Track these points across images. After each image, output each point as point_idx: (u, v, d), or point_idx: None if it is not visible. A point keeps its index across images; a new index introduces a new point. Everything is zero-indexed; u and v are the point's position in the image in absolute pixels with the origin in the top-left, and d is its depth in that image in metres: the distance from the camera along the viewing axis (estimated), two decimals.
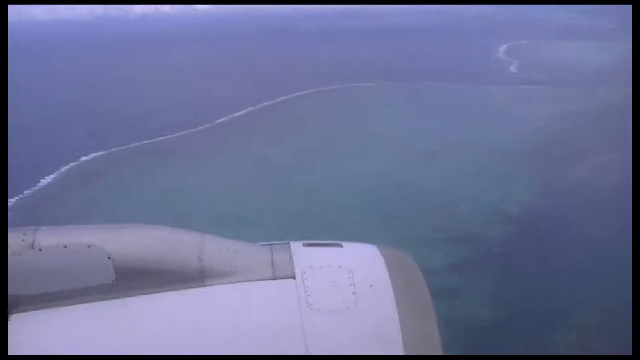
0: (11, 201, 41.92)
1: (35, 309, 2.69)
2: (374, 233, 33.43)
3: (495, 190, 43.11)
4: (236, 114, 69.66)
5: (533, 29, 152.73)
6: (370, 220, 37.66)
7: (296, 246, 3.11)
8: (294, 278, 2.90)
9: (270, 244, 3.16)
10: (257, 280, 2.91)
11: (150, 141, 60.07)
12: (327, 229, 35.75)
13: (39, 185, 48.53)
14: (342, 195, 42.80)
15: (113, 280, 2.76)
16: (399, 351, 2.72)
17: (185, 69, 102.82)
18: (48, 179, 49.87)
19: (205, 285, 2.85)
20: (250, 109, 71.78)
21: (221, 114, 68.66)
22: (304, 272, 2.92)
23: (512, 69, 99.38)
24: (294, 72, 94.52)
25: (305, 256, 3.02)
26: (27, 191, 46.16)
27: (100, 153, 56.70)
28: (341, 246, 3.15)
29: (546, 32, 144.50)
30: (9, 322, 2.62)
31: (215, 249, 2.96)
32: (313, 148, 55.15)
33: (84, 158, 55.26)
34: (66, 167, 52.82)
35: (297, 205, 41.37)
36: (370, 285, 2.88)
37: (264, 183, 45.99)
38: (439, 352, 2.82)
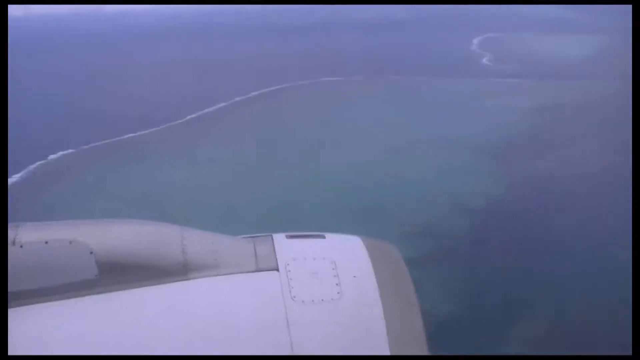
0: None
1: (17, 306, 2.66)
2: (339, 229, 33.37)
3: (461, 184, 43.53)
4: (207, 110, 69.27)
5: (509, 21, 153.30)
6: (334, 215, 37.74)
7: (279, 238, 3.12)
8: (277, 270, 2.90)
9: (253, 237, 3.18)
10: (241, 272, 2.91)
11: (120, 138, 59.60)
12: (290, 224, 35.74)
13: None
14: (307, 190, 42.91)
15: (96, 276, 2.75)
16: (383, 341, 2.72)
17: (156, 66, 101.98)
18: (15, 177, 49.25)
19: (188, 279, 2.84)
20: (222, 104, 71.50)
21: (192, 110, 68.25)
22: (287, 264, 2.92)
23: (485, 61, 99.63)
24: (267, 67, 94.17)
25: (288, 248, 3.03)
26: None
27: (69, 151, 56.13)
28: (324, 237, 3.17)
29: (522, 25, 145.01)
30: None
31: (197, 242, 2.97)
32: (280, 143, 55.17)
33: (52, 156, 54.68)
34: (33, 166, 52.19)
35: (259, 201, 41.50)
36: (354, 276, 2.90)
37: (229, 178, 46.02)
38: (422, 341, 2.85)
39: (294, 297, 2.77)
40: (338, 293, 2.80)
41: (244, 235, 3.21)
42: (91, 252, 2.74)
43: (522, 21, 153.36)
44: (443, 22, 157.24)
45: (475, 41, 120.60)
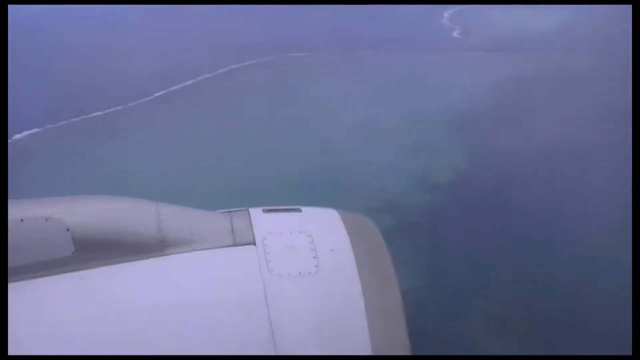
0: None
1: None
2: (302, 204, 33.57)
3: (426, 159, 44.05)
4: (173, 88, 68.59)
5: None
6: (294, 193, 37.90)
7: (255, 212, 3.17)
8: (254, 244, 2.93)
9: (229, 211, 3.18)
10: (218, 247, 2.92)
11: (87, 117, 59.05)
12: (249, 200, 35.71)
13: None
14: (266, 169, 42.94)
15: (72, 253, 2.76)
16: (362, 315, 2.73)
17: (125, 43, 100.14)
18: None
19: (165, 254, 2.85)
20: (189, 82, 70.82)
21: (159, 88, 67.59)
22: (264, 238, 2.94)
23: (455, 35, 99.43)
24: (235, 43, 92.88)
25: (265, 222, 3.07)
26: None
27: (35, 130, 55.49)
28: (300, 211, 3.23)
29: None
30: None
31: (174, 217, 2.99)
32: (243, 121, 55.01)
33: (17, 136, 54.04)
34: None
35: (221, 179, 41.48)
36: (331, 250, 2.94)
37: (188, 159, 45.99)
38: (400, 314, 2.86)
39: (272, 270, 2.79)
40: (315, 266, 2.83)
41: (221, 210, 3.23)
42: (67, 229, 2.75)
43: None
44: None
45: (446, 14, 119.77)
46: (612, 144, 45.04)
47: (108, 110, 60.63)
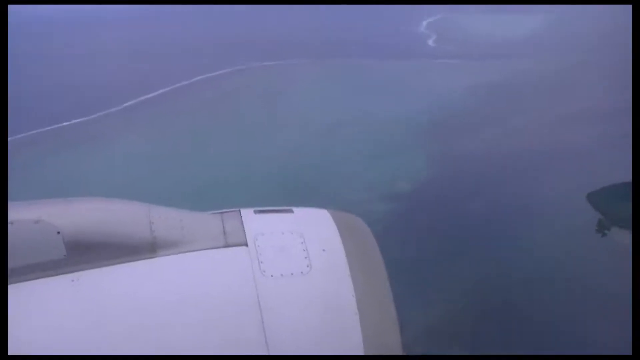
0: None
1: None
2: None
3: (391, 164, 44.14)
4: (144, 97, 68.42)
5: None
6: (256, 198, 37.81)
7: (247, 213, 3.14)
8: (246, 245, 2.90)
9: (221, 212, 3.17)
10: (209, 248, 2.89)
11: (51, 128, 58.80)
12: (212, 204, 35.54)
13: None
14: (231, 174, 42.88)
15: (64, 256, 2.70)
16: (354, 314, 2.74)
17: (96, 51, 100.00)
18: None
19: (157, 256, 2.82)
20: (160, 90, 70.63)
21: (129, 97, 67.36)
22: (256, 239, 2.92)
23: (431, 42, 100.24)
24: (211, 51, 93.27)
25: (256, 223, 3.04)
26: None
27: None
28: (292, 211, 3.20)
29: (479, 5, 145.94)
30: None
31: (165, 219, 2.94)
32: (211, 128, 55.07)
33: None
34: None
35: (187, 183, 41.60)
36: (323, 250, 2.92)
37: (150, 168, 45.67)
38: (392, 313, 2.87)
39: (264, 271, 2.78)
40: (307, 266, 2.82)
41: (212, 211, 3.21)
42: (58, 232, 2.70)
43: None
44: (398, 4, 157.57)
45: (425, 22, 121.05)
46: (571, 147, 45.42)
47: (75, 121, 60.28)
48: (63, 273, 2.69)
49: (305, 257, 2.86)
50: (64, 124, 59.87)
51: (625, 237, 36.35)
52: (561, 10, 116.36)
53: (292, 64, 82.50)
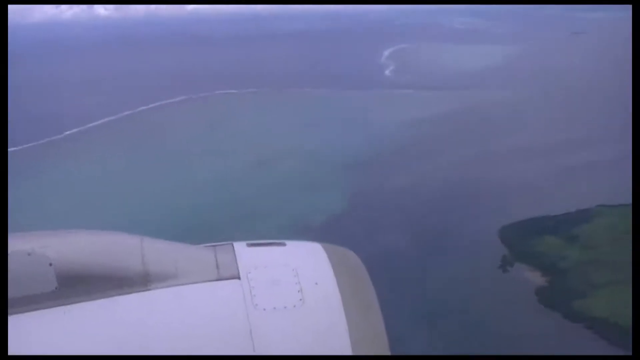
0: None
1: None
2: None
3: (304, 201, 43.87)
4: (90, 125, 68.18)
5: (426, 32, 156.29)
6: (168, 233, 37.55)
7: (239, 246, 3.01)
8: (239, 278, 2.80)
9: (214, 245, 3.04)
10: (202, 282, 2.81)
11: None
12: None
13: None
14: (151, 207, 42.82)
15: (55, 288, 2.63)
16: (347, 348, 2.69)
17: (48, 79, 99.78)
18: None
19: (149, 289, 2.74)
20: (107, 119, 70.68)
21: (75, 125, 67.23)
22: (249, 272, 2.83)
23: (387, 72, 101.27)
24: (169, 80, 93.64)
25: (249, 256, 2.94)
26: None
27: None
28: (284, 245, 3.05)
29: (437, 35, 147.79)
30: None
31: (157, 251, 2.87)
32: (143, 160, 54.76)
33: None
34: None
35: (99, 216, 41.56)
36: (316, 283, 2.83)
37: (77, 200, 45.53)
38: (385, 347, 2.81)
39: (256, 305, 2.69)
40: (300, 300, 2.74)
41: (205, 244, 3.08)
42: (50, 264, 2.63)
43: (439, 32, 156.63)
44: (364, 33, 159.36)
45: (387, 52, 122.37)
46: (499, 181, 46.14)
47: (14, 149, 59.94)
48: (54, 305, 2.63)
49: (298, 291, 2.77)
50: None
51: (526, 273, 37.09)
52: (528, 44, 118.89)
53: (250, 92, 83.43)
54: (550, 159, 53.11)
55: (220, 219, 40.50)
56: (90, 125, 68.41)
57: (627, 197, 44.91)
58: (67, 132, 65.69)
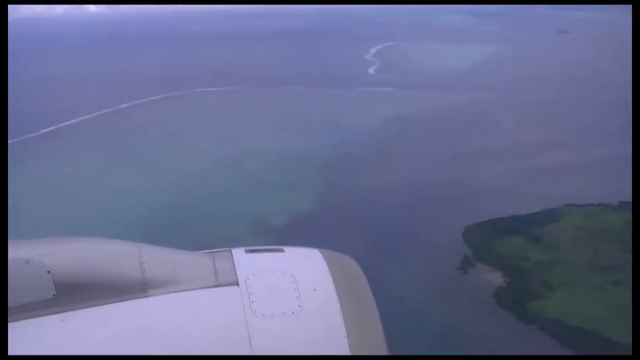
0: None
1: None
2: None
3: (271, 202, 43.81)
4: (67, 122, 67.88)
5: (415, 31, 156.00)
6: (132, 234, 37.49)
7: (238, 253, 3.08)
8: (238, 285, 2.86)
9: (212, 252, 3.12)
10: (201, 288, 2.86)
11: None
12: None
13: None
14: (111, 207, 43.00)
15: (54, 295, 2.68)
16: (345, 352, 2.72)
17: (31, 77, 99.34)
18: None
19: (147, 296, 2.79)
20: (85, 116, 70.40)
21: (51, 123, 66.94)
22: (247, 279, 2.88)
23: (371, 71, 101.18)
24: (152, 77, 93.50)
25: (248, 262, 3.00)
26: None
27: None
28: (283, 251, 3.15)
29: (426, 34, 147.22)
30: None
31: (156, 259, 2.92)
32: (117, 158, 54.78)
33: None
34: None
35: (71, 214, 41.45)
36: (314, 289, 2.88)
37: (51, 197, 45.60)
38: (384, 353, 2.85)
39: (255, 311, 2.74)
40: (298, 306, 2.79)
41: (203, 251, 3.16)
42: (48, 272, 2.68)
43: (425, 30, 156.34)
44: (352, 32, 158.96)
45: (373, 50, 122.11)
46: (468, 181, 46.36)
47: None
48: (52, 313, 2.67)
49: (297, 297, 2.82)
50: None
51: (486, 274, 37.12)
52: (516, 43, 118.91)
53: (230, 90, 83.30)
54: (523, 159, 53.32)
55: (180, 220, 40.33)
56: (68, 123, 68.14)
57: (595, 197, 45.24)
58: (44, 130, 65.44)
